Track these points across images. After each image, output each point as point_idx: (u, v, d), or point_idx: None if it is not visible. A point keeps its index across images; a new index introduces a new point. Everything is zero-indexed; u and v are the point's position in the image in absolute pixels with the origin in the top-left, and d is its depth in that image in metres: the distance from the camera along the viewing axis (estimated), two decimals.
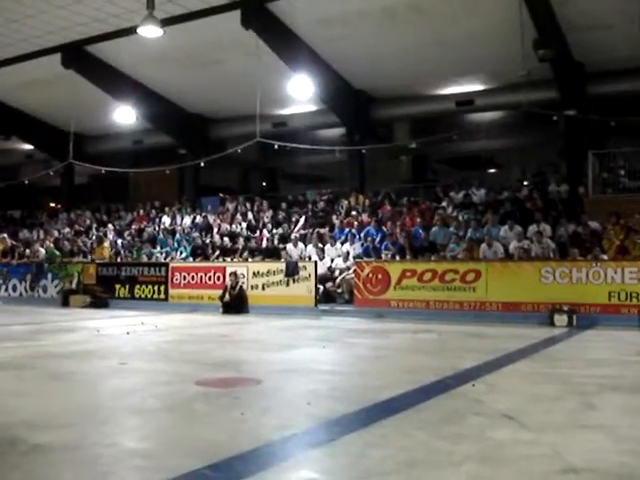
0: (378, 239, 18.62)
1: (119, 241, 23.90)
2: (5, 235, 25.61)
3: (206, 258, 20.39)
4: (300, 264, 17.35)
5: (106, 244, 22.93)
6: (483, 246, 16.37)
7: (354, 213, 21.26)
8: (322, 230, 20.53)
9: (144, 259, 21.23)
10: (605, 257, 14.98)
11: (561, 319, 13.57)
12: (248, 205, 24.61)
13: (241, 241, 20.88)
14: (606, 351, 9.97)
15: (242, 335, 12.65)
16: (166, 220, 24.99)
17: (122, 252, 22.85)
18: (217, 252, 20.65)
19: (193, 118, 27.23)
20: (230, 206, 24.83)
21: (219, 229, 22.63)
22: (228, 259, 19.77)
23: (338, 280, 17.88)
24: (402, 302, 15.84)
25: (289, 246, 19.50)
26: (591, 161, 19.45)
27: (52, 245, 23.43)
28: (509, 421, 5.08)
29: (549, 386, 6.67)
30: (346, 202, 22.63)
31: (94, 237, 24.41)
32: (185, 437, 4.64)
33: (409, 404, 5.67)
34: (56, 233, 25.74)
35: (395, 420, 5.14)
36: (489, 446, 4.41)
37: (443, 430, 4.81)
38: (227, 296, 17.33)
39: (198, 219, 24.22)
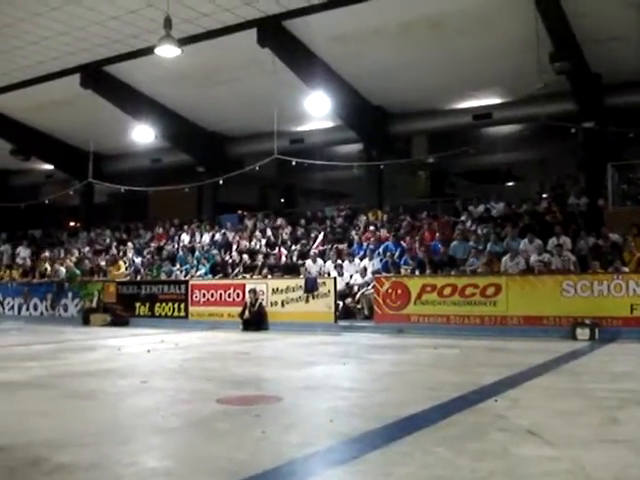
0: (397, 254, 18.60)
1: (138, 259, 24.00)
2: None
3: (225, 275, 20.42)
4: (319, 280, 17.35)
5: (120, 262, 23.04)
6: (505, 258, 16.31)
7: (372, 228, 21.23)
8: (341, 246, 20.52)
9: (163, 277, 21.31)
10: (626, 269, 14.85)
11: (583, 333, 13.47)
12: (267, 222, 24.66)
13: (260, 258, 20.91)
14: (629, 364, 9.88)
15: (262, 352, 12.63)
16: (185, 238, 25.07)
17: (142, 270, 22.94)
18: (237, 269, 20.68)
19: (211, 136, 27.38)
20: (249, 223, 24.89)
21: (238, 246, 22.66)
22: (247, 276, 19.80)
23: (358, 296, 17.86)
24: (422, 317, 15.79)
25: (308, 262, 19.50)
26: (610, 173, 19.32)
27: (72, 264, 23.56)
28: (532, 437, 5.03)
29: (572, 401, 6.60)
30: (364, 218, 22.62)
31: (108, 256, 24.53)
32: (206, 455, 4.63)
33: (431, 420, 5.63)
34: (76, 252, 25.87)
35: (417, 437, 5.11)
36: (513, 462, 4.37)
37: (466, 446, 4.77)
38: (247, 313, 17.35)
39: (217, 236, 24.28)
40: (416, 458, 4.48)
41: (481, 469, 4.20)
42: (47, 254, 25.69)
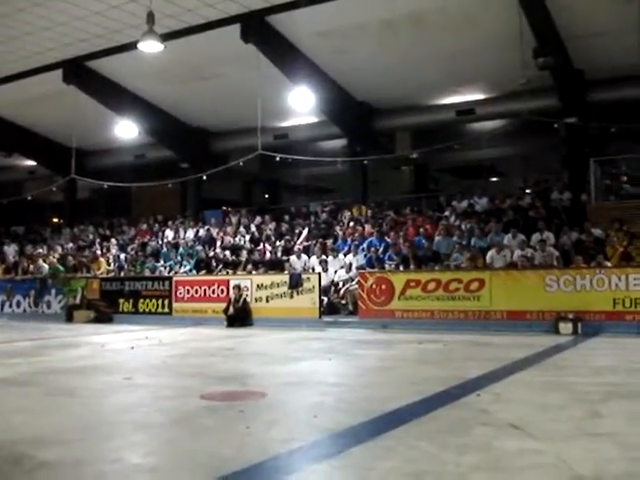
0: (381, 249, 18.63)
1: (122, 255, 23.91)
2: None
3: (210, 271, 20.38)
4: (304, 276, 17.35)
5: (101, 259, 22.96)
6: (491, 252, 16.40)
7: (353, 224, 21.23)
8: (325, 241, 20.53)
9: (147, 273, 21.24)
10: (609, 264, 14.95)
11: (566, 327, 13.55)
12: (250, 217, 24.62)
13: (244, 254, 20.88)
14: (612, 358, 9.94)
15: (246, 348, 12.62)
16: (169, 234, 24.99)
17: (125, 266, 22.85)
18: (221, 265, 20.64)
19: (195, 132, 27.29)
20: (233, 219, 24.85)
21: (222, 242, 22.62)
22: (231, 272, 19.76)
23: (342, 291, 17.88)
24: (406, 312, 15.83)
25: (292, 258, 19.50)
26: (593, 168, 19.45)
27: (56, 260, 23.44)
28: (515, 431, 5.06)
29: (555, 395, 6.64)
30: (349, 213, 22.64)
31: (88, 253, 24.42)
32: (191, 451, 4.62)
33: (415, 415, 5.65)
34: (60, 248, 25.74)
35: (401, 431, 5.12)
36: (496, 456, 4.40)
37: (449, 441, 4.79)
38: (231, 309, 17.32)
39: (201, 232, 24.22)
40: (400, 452, 4.50)
41: (464, 463, 4.23)
42: (40, 251, 25.50)
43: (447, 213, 20.54)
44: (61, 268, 22.87)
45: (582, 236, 16.85)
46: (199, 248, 22.47)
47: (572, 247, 16.41)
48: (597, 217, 17.76)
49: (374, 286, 16.34)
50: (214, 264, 20.93)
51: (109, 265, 23.16)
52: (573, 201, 19.46)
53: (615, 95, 20.41)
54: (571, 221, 17.87)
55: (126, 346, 12.18)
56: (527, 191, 22.13)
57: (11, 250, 26.93)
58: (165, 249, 23.27)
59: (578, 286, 14.19)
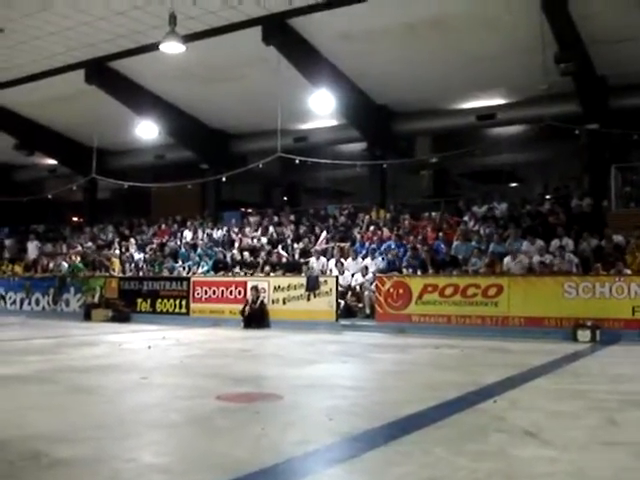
0: (399, 253, 18.59)
1: (140, 255, 24.01)
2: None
3: (228, 272, 20.41)
4: (321, 279, 17.35)
5: (114, 260, 23.07)
6: (507, 259, 16.33)
7: (372, 228, 21.20)
8: (343, 244, 20.52)
9: (166, 273, 21.32)
10: (629, 271, 14.83)
11: (584, 334, 13.45)
12: (267, 219, 24.65)
13: (262, 255, 20.91)
14: (629, 367, 9.87)
15: (263, 350, 12.64)
16: (188, 234, 25.07)
17: (144, 266, 22.96)
18: (239, 267, 20.67)
19: (215, 133, 27.40)
20: (252, 220, 24.90)
21: (240, 243, 22.66)
22: (249, 273, 19.79)
23: (360, 295, 17.85)
24: (423, 317, 15.78)
25: (312, 260, 19.52)
26: (614, 175, 19.32)
27: (78, 259, 23.57)
28: (531, 438, 5.04)
29: (572, 402, 6.60)
30: (367, 216, 22.62)
31: (103, 253, 24.55)
32: (205, 452, 4.63)
33: (430, 420, 5.63)
34: (79, 247, 25.90)
35: (416, 436, 5.11)
36: (511, 463, 4.38)
37: (465, 447, 4.77)
38: (248, 310, 17.34)
39: (220, 233, 24.28)
40: (415, 458, 4.49)
41: (479, 470, 4.21)
42: (68, 250, 25.64)
43: (466, 218, 20.46)
44: (81, 266, 23.02)
45: (602, 243, 16.72)
46: (217, 249, 22.53)
47: (592, 254, 16.29)
48: (617, 224, 17.62)
49: (391, 290, 16.31)
50: (232, 266, 20.96)
51: (122, 266, 23.26)
52: (593, 208, 19.33)
53: (637, 102, 20.23)
54: (591, 228, 17.74)
55: (143, 346, 12.23)
56: (547, 197, 22.01)
57: (32, 248, 27.12)
58: (183, 250, 23.34)
59: (597, 293, 14.08)
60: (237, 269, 20.54)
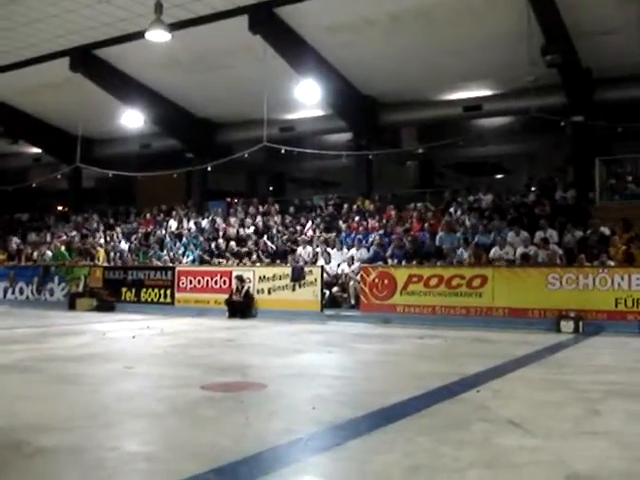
0: (384, 244, 18.61)
1: (125, 245, 23.91)
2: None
3: (213, 262, 20.37)
4: (306, 269, 17.35)
5: (99, 249, 22.98)
6: (495, 248, 16.41)
7: (357, 218, 21.22)
8: (328, 235, 20.52)
9: (153, 262, 21.25)
10: (612, 263, 14.92)
11: (567, 325, 13.53)
12: (252, 209, 24.59)
13: (248, 245, 20.88)
14: (612, 358, 9.94)
15: (248, 339, 12.62)
16: (173, 224, 24.99)
17: (129, 256, 22.87)
18: (225, 256, 20.64)
19: (200, 122, 27.28)
20: (237, 210, 24.84)
21: (225, 233, 22.62)
22: (234, 262, 19.76)
23: (345, 285, 17.87)
24: (408, 307, 15.82)
25: (299, 249, 19.52)
26: (598, 167, 19.38)
27: (63, 247, 23.44)
28: (514, 427, 5.07)
29: (554, 392, 6.65)
30: (353, 207, 22.62)
31: (88, 242, 24.43)
32: (189, 441, 4.64)
33: (414, 409, 5.66)
34: (64, 236, 25.76)
35: (400, 425, 5.14)
36: (494, 452, 4.41)
37: (448, 436, 4.80)
38: (233, 298, 17.33)
39: (205, 223, 24.22)
40: (399, 446, 4.51)
41: (462, 458, 4.24)
42: (52, 239, 25.49)
43: (452, 209, 20.49)
44: (65, 254, 22.91)
45: (586, 234, 16.79)
46: (202, 239, 22.47)
47: (576, 245, 16.37)
48: (602, 216, 17.69)
49: (376, 280, 16.33)
50: (217, 254, 20.93)
51: (107, 255, 23.16)
52: (578, 200, 19.41)
53: (622, 94, 20.32)
54: (575, 220, 17.82)
55: (128, 335, 12.20)
56: (532, 189, 22.08)
57: (15, 237, 26.95)
58: (168, 239, 23.27)
59: (580, 285, 14.15)
60: (222, 259, 20.50)
